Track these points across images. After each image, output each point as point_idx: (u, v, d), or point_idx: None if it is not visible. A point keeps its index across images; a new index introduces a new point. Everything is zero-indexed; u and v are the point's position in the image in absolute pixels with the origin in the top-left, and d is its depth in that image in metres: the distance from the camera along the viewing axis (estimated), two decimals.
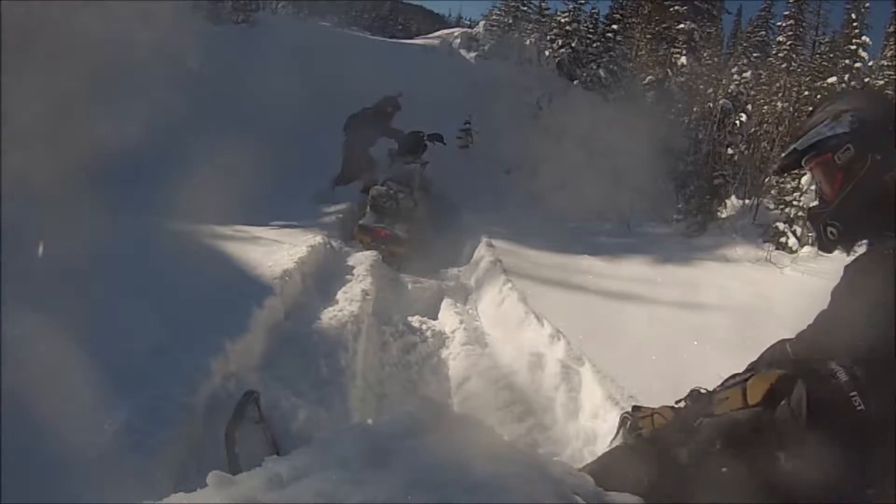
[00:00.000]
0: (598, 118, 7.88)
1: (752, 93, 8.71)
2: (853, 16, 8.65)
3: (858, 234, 1.21)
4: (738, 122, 8.20)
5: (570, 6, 11.29)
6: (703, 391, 1.22)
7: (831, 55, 8.52)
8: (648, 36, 10.75)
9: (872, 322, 0.99)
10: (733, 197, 7.54)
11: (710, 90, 9.08)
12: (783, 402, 0.97)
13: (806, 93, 8.25)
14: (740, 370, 1.26)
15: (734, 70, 9.16)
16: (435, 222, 5.40)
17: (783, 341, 1.27)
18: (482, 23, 13.97)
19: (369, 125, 6.10)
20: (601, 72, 10.04)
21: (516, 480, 0.88)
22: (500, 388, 2.62)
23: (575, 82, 10.22)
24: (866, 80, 8.44)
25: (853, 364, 0.94)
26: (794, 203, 6.39)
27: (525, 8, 13.26)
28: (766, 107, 8.68)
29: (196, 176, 3.65)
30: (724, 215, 7.22)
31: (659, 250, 5.63)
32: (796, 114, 8.17)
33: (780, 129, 8.32)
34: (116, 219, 3.15)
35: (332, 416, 1.97)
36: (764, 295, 4.29)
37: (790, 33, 10.32)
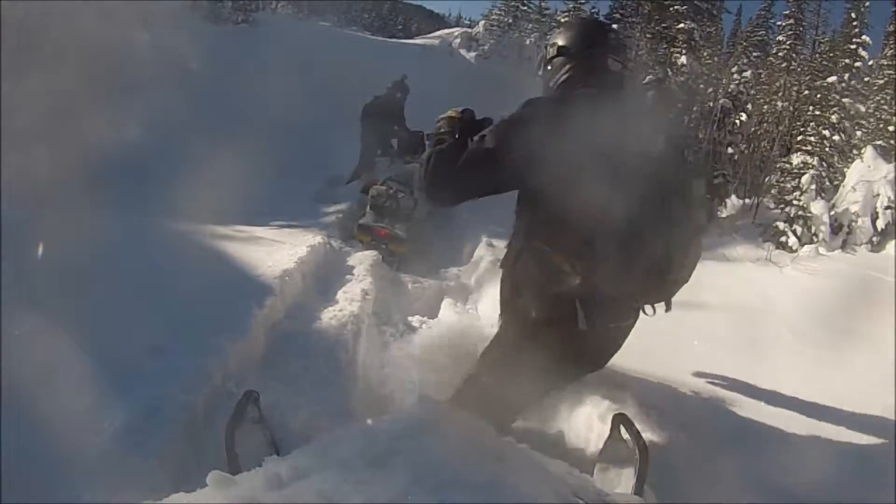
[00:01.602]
0: None
1: (752, 92, 8.73)
2: (853, 15, 8.66)
3: None
4: (737, 121, 8.21)
5: (570, 6, 11.31)
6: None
7: (831, 54, 8.53)
8: (648, 35, 10.75)
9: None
10: (733, 196, 7.55)
11: (710, 90, 9.09)
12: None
13: (806, 92, 8.25)
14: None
15: (734, 69, 9.18)
16: (435, 222, 5.39)
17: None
18: (482, 23, 13.99)
19: (384, 113, 6.08)
20: None
21: (516, 480, 0.88)
22: None
23: None
24: (866, 79, 8.44)
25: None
26: (794, 203, 6.39)
27: (525, 8, 13.28)
28: (766, 106, 8.70)
29: (196, 176, 3.65)
30: (724, 215, 7.23)
31: None
32: (796, 113, 8.18)
33: (780, 128, 8.33)
34: (116, 219, 3.15)
35: (332, 416, 1.97)
36: (764, 294, 4.29)
37: (790, 33, 10.33)
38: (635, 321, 1.57)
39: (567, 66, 1.51)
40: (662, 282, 1.42)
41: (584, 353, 1.52)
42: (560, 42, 1.54)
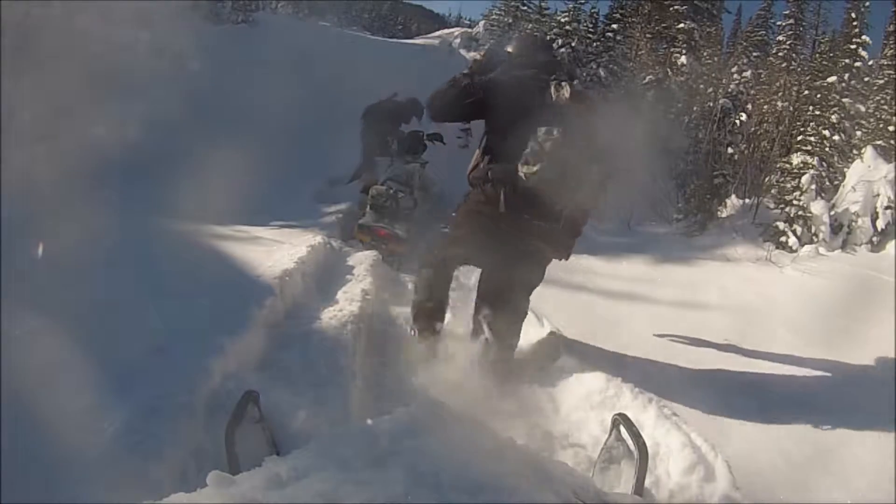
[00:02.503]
0: (597, 118, 7.87)
1: (752, 92, 8.72)
2: (853, 15, 8.66)
3: None
4: (737, 121, 8.21)
5: (570, 5, 11.28)
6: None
7: (831, 54, 8.52)
8: (648, 35, 10.76)
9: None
10: (733, 196, 7.54)
11: (710, 89, 9.08)
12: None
13: (806, 92, 8.25)
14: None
15: (734, 69, 9.17)
16: (435, 222, 5.39)
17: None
18: (482, 23, 13.97)
19: (386, 116, 6.02)
20: (601, 71, 10.05)
21: (516, 480, 0.88)
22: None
23: (575, 82, 10.23)
24: (866, 78, 8.44)
25: None
26: (794, 202, 6.39)
27: (525, 7, 13.26)
28: (766, 106, 8.68)
29: (196, 176, 3.65)
30: (723, 214, 7.22)
31: (659, 249, 5.64)
32: (796, 113, 8.17)
33: (780, 128, 8.33)
34: (116, 219, 3.15)
35: (332, 416, 1.97)
36: (764, 294, 4.29)
37: (790, 32, 10.34)
38: (551, 227, 2.26)
39: (515, 60, 2.46)
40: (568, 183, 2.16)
41: (504, 231, 2.27)
42: (509, 49, 2.56)
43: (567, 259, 2.46)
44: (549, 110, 2.18)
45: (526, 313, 2.53)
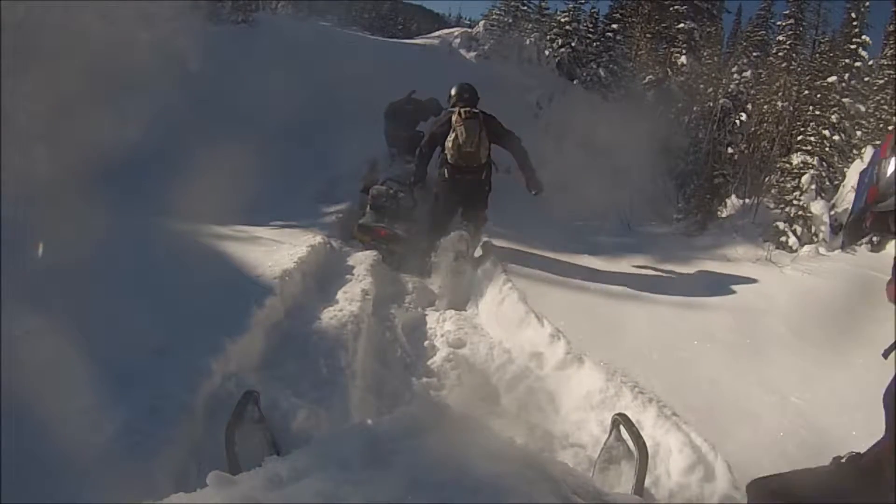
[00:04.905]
0: (598, 118, 7.88)
1: (752, 92, 8.71)
2: (853, 15, 8.65)
3: None
4: (738, 121, 8.20)
5: (570, 5, 11.28)
6: None
7: (831, 54, 8.50)
8: (648, 35, 10.76)
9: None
10: (733, 196, 7.53)
11: (710, 89, 9.08)
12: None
13: (806, 92, 8.24)
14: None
15: (734, 69, 9.17)
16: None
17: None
18: (482, 23, 13.91)
19: (408, 118, 6.00)
20: (601, 71, 10.06)
21: (516, 480, 0.88)
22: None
23: (575, 82, 10.23)
24: (866, 78, 8.43)
25: None
26: (794, 202, 6.39)
27: (525, 8, 13.21)
28: (766, 106, 8.67)
29: (196, 176, 3.65)
30: (724, 214, 7.22)
31: (659, 250, 5.63)
32: (796, 113, 8.17)
33: (780, 128, 8.32)
34: (116, 219, 3.15)
35: (332, 416, 1.97)
36: (764, 294, 4.28)
37: (790, 32, 10.31)
38: (472, 178, 4.15)
39: (452, 100, 4.32)
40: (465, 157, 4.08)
41: (451, 188, 4.18)
42: (451, 92, 4.35)
43: (541, 191, 4.31)
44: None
45: (483, 222, 4.41)
